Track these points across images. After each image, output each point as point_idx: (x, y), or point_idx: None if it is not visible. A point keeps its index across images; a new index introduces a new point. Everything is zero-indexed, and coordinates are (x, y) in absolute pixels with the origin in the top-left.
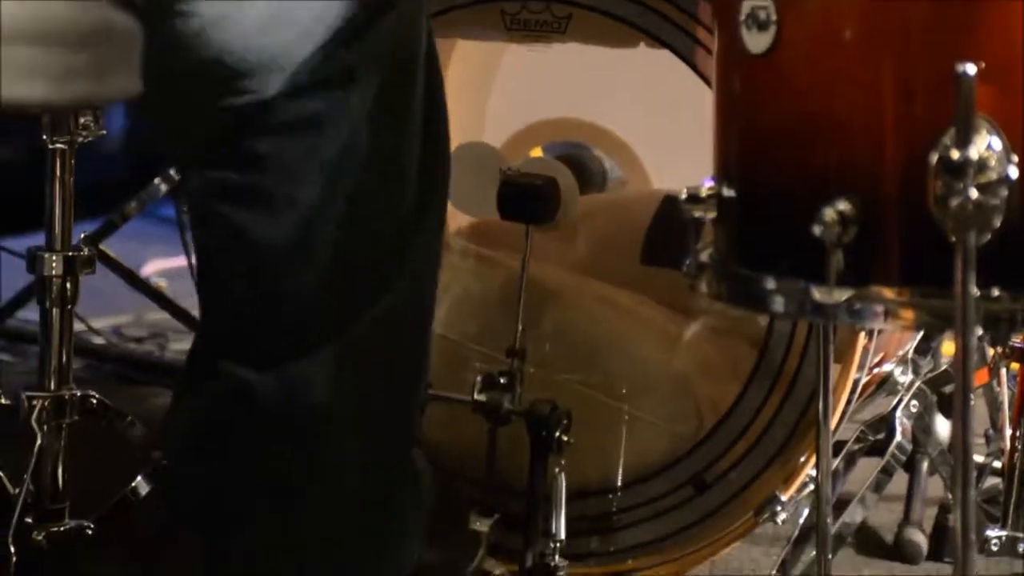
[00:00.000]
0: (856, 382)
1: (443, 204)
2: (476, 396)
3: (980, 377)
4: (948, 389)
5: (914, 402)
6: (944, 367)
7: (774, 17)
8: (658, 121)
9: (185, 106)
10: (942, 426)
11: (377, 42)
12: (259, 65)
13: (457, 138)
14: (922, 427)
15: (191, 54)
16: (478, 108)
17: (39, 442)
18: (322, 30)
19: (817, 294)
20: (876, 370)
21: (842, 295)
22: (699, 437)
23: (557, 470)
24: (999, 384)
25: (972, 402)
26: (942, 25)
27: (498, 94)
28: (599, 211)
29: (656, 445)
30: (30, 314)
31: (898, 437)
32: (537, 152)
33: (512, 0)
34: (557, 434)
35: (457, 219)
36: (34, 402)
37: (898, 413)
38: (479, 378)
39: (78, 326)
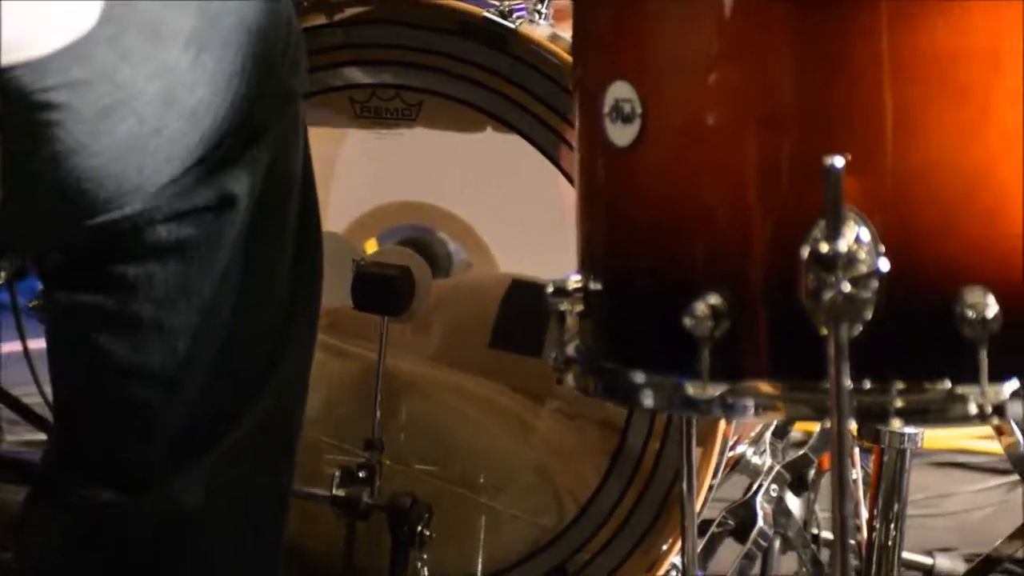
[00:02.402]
0: (718, 466)
1: (315, 311)
2: (335, 491)
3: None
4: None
5: (774, 486)
6: (803, 451)
7: (639, 110)
8: (503, 204)
9: (45, 224)
10: (792, 504)
11: (252, 168)
12: (117, 189)
13: None
14: (781, 510)
15: (49, 176)
16: (320, 193)
17: None
18: (185, 156)
19: (691, 389)
20: (731, 452)
21: (716, 390)
22: (560, 527)
23: (419, 564)
24: (852, 465)
25: (850, 488)
26: (808, 115)
27: (341, 178)
28: (448, 297)
29: (517, 536)
30: None
31: (760, 523)
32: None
33: (362, 87)
34: (419, 528)
35: None
36: None
37: (758, 498)
38: (337, 472)
39: None
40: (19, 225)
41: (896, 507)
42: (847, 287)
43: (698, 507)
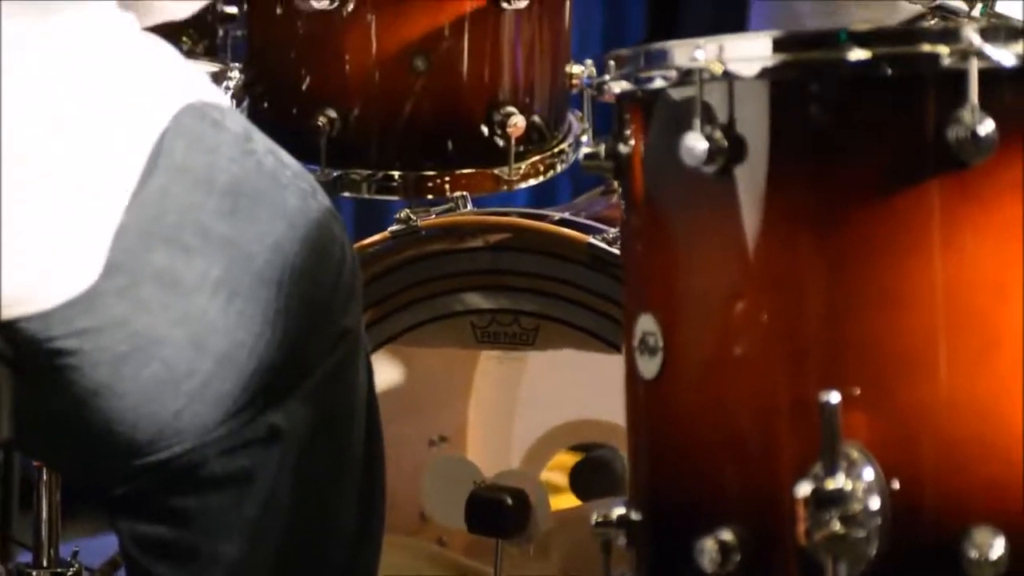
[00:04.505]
0: None
1: (379, 539)
2: None
3: None
4: None
5: None
6: None
7: (661, 343)
8: None
9: (92, 462)
10: None
11: (301, 403)
12: (155, 430)
13: (483, 446)
14: None
15: (76, 416)
16: (505, 415)
17: None
18: (226, 398)
19: None
20: None
21: None
22: None
23: None
24: None
25: None
26: (819, 352)
27: (524, 399)
28: (576, 521)
29: None
30: None
31: None
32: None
33: (482, 313)
34: None
35: (440, 527)
36: None
37: None
38: None
39: None
40: (69, 463)
41: None
42: (837, 526)
43: None
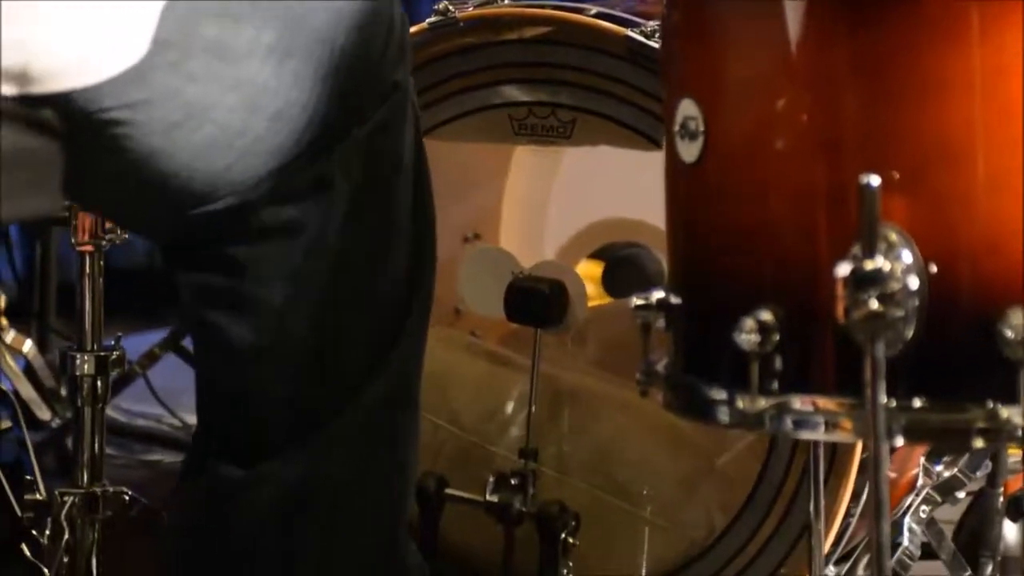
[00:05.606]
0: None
1: (428, 305)
2: (488, 497)
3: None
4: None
5: (924, 507)
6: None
7: (702, 128)
8: None
9: (149, 214)
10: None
11: (350, 154)
12: (207, 183)
13: (516, 242)
14: (935, 532)
15: (134, 176)
16: (539, 212)
17: (66, 537)
18: (277, 152)
19: (740, 403)
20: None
21: (765, 403)
22: (710, 541)
23: (566, 572)
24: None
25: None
26: (859, 138)
27: (557, 197)
28: (611, 314)
29: (669, 549)
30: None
31: (905, 542)
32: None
33: (519, 105)
34: (563, 535)
35: (473, 322)
36: (65, 498)
37: (906, 519)
38: (491, 478)
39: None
40: (127, 216)
41: None
42: (875, 305)
43: (835, 529)
